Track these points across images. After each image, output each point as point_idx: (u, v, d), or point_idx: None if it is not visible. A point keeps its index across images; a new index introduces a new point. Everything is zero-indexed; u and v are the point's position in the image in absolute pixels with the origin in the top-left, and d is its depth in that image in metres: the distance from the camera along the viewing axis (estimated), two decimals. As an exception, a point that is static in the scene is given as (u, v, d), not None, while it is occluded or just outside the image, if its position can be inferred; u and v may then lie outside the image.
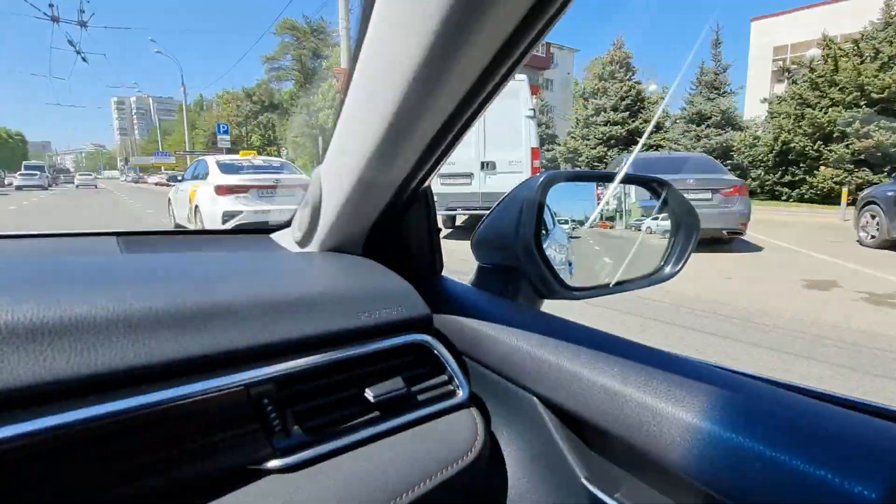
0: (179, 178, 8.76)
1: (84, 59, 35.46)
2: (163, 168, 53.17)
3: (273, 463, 0.46)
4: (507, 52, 0.46)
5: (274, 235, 0.98)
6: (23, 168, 37.35)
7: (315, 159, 40.78)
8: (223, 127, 27.33)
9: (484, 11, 0.40)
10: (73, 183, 44.60)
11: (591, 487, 0.50)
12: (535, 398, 0.57)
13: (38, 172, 34.57)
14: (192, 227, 6.78)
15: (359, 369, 0.56)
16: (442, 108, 0.53)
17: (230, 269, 0.66)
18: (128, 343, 0.43)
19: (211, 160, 7.07)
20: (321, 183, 0.73)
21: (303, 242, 0.82)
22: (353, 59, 0.55)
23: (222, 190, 6.22)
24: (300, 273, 0.69)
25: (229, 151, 27.41)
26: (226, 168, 6.72)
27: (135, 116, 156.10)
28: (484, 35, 0.43)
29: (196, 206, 6.57)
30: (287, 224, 0.93)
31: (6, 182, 37.58)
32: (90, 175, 51.01)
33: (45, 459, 0.36)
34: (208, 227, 6.17)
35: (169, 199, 8.56)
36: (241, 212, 6.08)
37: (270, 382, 0.48)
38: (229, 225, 5.95)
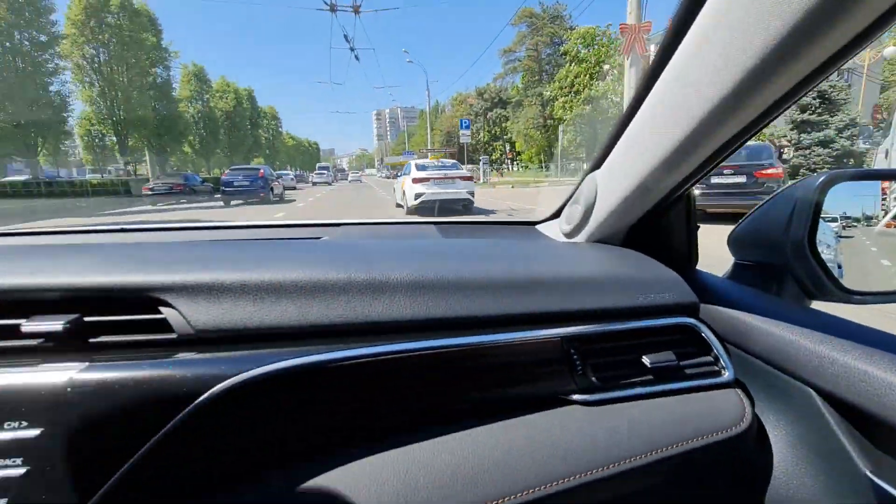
0: (399, 174, 13.71)
1: (357, 58, 37.89)
2: (408, 165, 64.94)
3: (576, 396, 0.63)
4: (845, 53, 0.45)
5: (539, 226, 1.17)
6: (316, 168, 52.49)
7: (542, 150, 40.72)
8: (465, 122, 31.81)
9: (845, 9, 0.40)
10: (346, 179, 59.57)
11: (878, 481, 0.52)
12: (810, 389, 0.60)
13: (325, 172, 47.54)
14: (403, 203, 11.16)
15: (636, 339, 0.69)
16: (742, 120, 0.57)
17: (527, 252, 0.85)
18: (489, 299, 0.64)
19: (412, 162, 11.40)
20: (596, 185, 0.86)
21: (571, 234, 0.96)
22: (652, 74, 0.62)
23: (416, 180, 10.35)
24: (581, 259, 0.82)
25: (466, 146, 31.59)
26: (419, 167, 10.86)
27: (388, 125, 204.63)
28: (835, 34, 0.43)
29: (404, 191, 10.97)
30: (551, 217, 1.13)
31: (308, 179, 52.97)
32: (358, 173, 72.77)
33: (452, 363, 0.60)
34: (409, 203, 10.31)
35: (394, 188, 13.53)
36: (423, 193, 10.15)
37: (577, 338, 0.65)
38: (416, 202, 10.11)
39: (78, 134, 29.87)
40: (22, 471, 0.44)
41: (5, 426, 0.45)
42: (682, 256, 0.88)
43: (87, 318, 0.55)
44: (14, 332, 0.52)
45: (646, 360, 0.67)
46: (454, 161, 12.66)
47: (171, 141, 33.44)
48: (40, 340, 0.52)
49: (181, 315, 0.56)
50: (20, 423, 0.45)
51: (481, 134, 51.96)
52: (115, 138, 29.60)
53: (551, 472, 0.55)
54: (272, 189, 17.82)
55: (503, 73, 49.23)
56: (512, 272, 0.69)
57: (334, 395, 0.56)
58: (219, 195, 17.70)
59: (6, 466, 0.44)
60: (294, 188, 30.57)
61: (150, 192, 18.56)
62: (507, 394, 0.63)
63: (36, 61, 23.78)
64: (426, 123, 52.12)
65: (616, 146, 0.78)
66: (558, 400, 0.64)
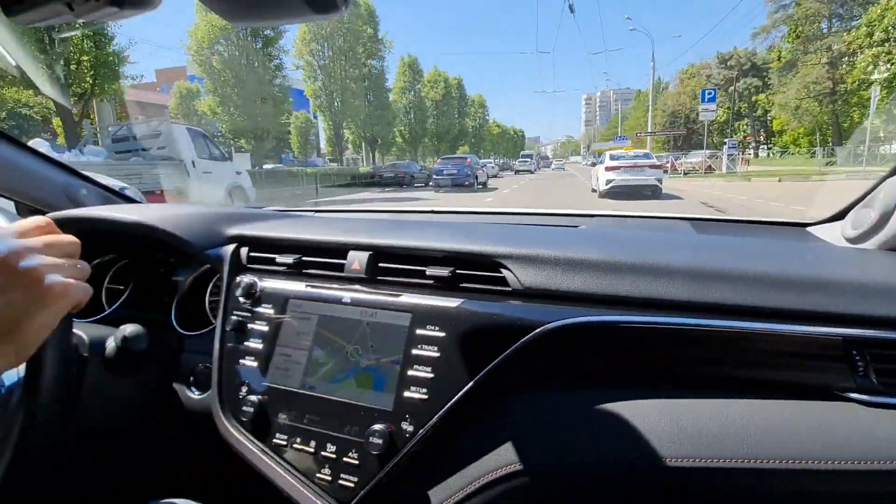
0: (595, 163, 15.10)
1: (571, 8, 34.95)
2: (619, 151, 62.15)
3: (853, 395, 0.66)
4: None
5: (811, 229, 1.19)
6: (520, 156, 54.61)
7: (821, 128, 33.28)
8: (709, 94, 26.80)
9: None
10: (550, 167, 60.65)
11: None
12: None
13: (528, 159, 48.79)
14: (596, 188, 12.99)
15: None
16: None
17: (804, 252, 0.90)
18: (764, 292, 0.71)
19: (607, 153, 13.17)
20: None
21: (857, 240, 0.98)
22: None
23: (608, 168, 12.23)
24: (872, 264, 0.85)
25: (706, 125, 28.26)
26: (612, 157, 12.68)
27: (598, 109, 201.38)
28: None
29: (598, 178, 12.97)
30: (829, 219, 1.13)
31: (511, 167, 54.41)
32: (561, 160, 76.72)
33: (725, 341, 0.71)
34: (601, 188, 12.19)
35: (591, 175, 15.22)
36: (613, 179, 11.95)
37: (862, 341, 0.67)
38: (607, 187, 11.86)
39: (322, 127, 34.96)
40: (437, 354, 0.74)
41: (427, 327, 0.76)
42: None
43: (458, 271, 0.82)
44: (421, 274, 0.83)
45: None
46: (646, 151, 14.67)
47: (381, 131, 35.49)
48: (433, 281, 0.82)
49: (514, 275, 0.78)
50: (435, 327, 0.76)
51: (718, 112, 42.56)
52: (332, 129, 32.52)
53: (823, 453, 0.62)
54: (476, 177, 19.87)
55: (770, 24, 36.59)
56: (789, 270, 0.76)
57: (620, 349, 0.75)
58: (431, 182, 20.72)
59: (431, 350, 0.74)
60: (496, 176, 31.32)
61: (379, 178, 22.83)
62: (776, 378, 0.71)
63: (264, 57, 26.17)
64: (643, 104, 49.04)
65: None
66: (831, 395, 0.68)
